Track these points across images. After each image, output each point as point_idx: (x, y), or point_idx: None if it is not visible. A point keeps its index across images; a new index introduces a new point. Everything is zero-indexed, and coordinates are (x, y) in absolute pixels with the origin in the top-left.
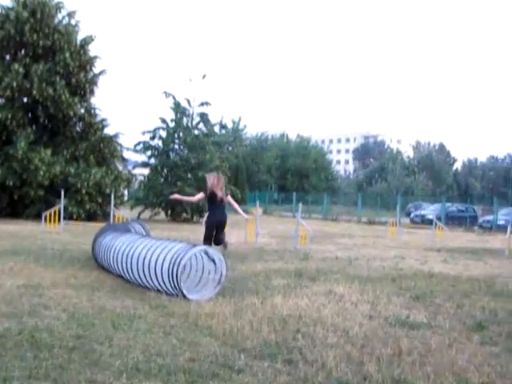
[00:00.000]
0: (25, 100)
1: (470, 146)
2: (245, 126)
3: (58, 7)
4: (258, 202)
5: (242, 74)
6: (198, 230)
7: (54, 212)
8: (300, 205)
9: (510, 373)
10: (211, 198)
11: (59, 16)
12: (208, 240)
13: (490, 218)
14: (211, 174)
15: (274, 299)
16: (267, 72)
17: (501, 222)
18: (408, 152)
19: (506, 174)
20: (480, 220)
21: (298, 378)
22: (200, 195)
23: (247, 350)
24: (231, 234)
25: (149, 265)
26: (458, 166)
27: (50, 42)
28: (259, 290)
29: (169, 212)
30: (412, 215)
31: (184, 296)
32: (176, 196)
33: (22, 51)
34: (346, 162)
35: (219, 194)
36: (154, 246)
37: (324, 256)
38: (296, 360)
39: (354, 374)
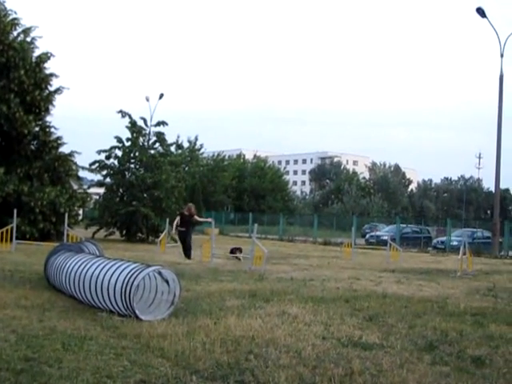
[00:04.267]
0: None
1: (425, 168)
2: (201, 146)
3: (14, 23)
4: (213, 222)
5: (199, 93)
6: (153, 250)
7: (7, 231)
8: (256, 225)
9: None
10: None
11: (14, 33)
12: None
13: (443, 239)
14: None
15: (227, 320)
16: (224, 91)
17: (454, 243)
18: (364, 173)
19: (459, 195)
20: (434, 241)
21: None
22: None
23: (199, 371)
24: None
25: (101, 285)
26: (413, 187)
27: (4, 59)
28: (213, 310)
29: (124, 232)
30: (367, 236)
31: (137, 317)
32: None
33: None
34: (303, 182)
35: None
36: (107, 265)
37: (279, 277)
38: (248, 381)
39: None
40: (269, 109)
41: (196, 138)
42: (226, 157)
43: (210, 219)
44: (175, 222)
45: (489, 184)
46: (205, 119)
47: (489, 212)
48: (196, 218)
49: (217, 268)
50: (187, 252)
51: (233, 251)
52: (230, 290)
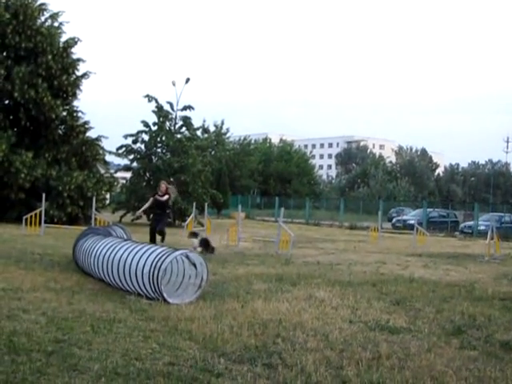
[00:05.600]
0: (6, 102)
1: (452, 152)
2: (227, 130)
3: (41, 9)
4: (240, 207)
5: (225, 77)
6: (180, 234)
7: (35, 215)
8: (282, 209)
9: (488, 377)
10: None
11: (42, 18)
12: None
13: (470, 223)
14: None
15: (254, 303)
16: (250, 75)
17: (481, 228)
18: (390, 157)
19: (487, 179)
20: (461, 225)
21: (277, 382)
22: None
23: (227, 354)
24: (213, 239)
25: (129, 268)
26: (439, 171)
27: (32, 44)
28: (240, 294)
29: (151, 216)
30: (394, 220)
31: (164, 300)
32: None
33: (4, 53)
34: (329, 166)
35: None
36: (135, 249)
37: (305, 261)
38: (275, 364)
39: (333, 378)
40: (295, 92)
41: (222, 122)
42: (252, 141)
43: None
44: (146, 206)
45: None
46: (231, 103)
47: None
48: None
49: (243, 252)
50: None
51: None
52: (256, 274)
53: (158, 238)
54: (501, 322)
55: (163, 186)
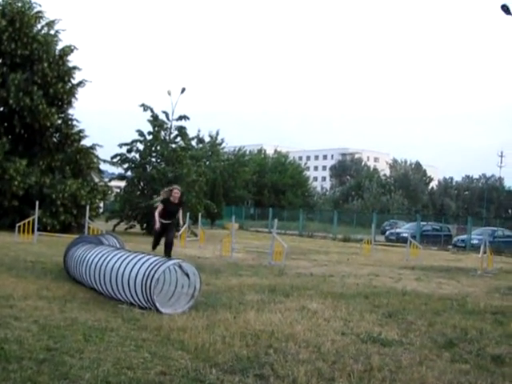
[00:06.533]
0: (1, 109)
1: (446, 165)
2: (222, 141)
3: (38, 16)
4: (233, 217)
5: (221, 88)
6: (174, 244)
7: (28, 223)
8: (276, 220)
9: None
10: None
11: (38, 25)
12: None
13: (464, 237)
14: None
15: (247, 314)
16: (246, 86)
17: (474, 242)
18: (385, 170)
19: (480, 194)
20: (454, 239)
21: None
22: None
23: (219, 364)
24: (206, 249)
25: (122, 277)
26: (433, 184)
27: (28, 52)
28: (233, 304)
29: (144, 225)
30: (387, 233)
31: (157, 309)
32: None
33: (0, 60)
34: (323, 178)
35: None
36: (127, 258)
37: (298, 272)
38: (267, 375)
39: None
40: (290, 104)
41: (217, 133)
42: (247, 152)
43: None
44: (157, 213)
45: (510, 183)
46: (226, 114)
47: (510, 211)
48: (181, 209)
49: (237, 263)
50: (167, 249)
51: None
52: (249, 285)
53: (160, 248)
54: (492, 336)
55: (177, 191)
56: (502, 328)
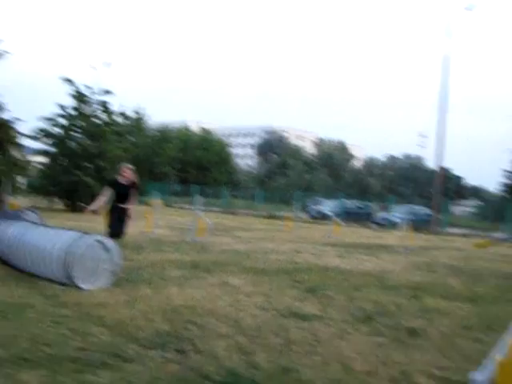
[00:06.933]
0: None
1: (370, 145)
2: (147, 117)
3: None
4: (157, 193)
5: (145, 64)
6: (96, 220)
7: None
8: (199, 197)
9: (393, 361)
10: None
11: None
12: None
13: (385, 215)
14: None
15: (168, 290)
16: (171, 62)
17: (396, 219)
18: (309, 149)
19: (403, 173)
20: (376, 217)
21: (188, 367)
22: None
23: (139, 339)
24: (129, 225)
25: (41, 253)
26: (358, 164)
27: None
28: (154, 280)
29: (67, 201)
30: (311, 210)
31: (77, 285)
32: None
33: None
34: (248, 156)
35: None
36: (47, 234)
37: (221, 248)
38: (187, 350)
39: (244, 363)
40: (216, 82)
41: (142, 109)
42: (172, 128)
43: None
44: (102, 197)
45: (431, 162)
46: (151, 90)
47: (431, 190)
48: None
49: (159, 239)
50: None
51: None
52: (171, 261)
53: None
54: (409, 310)
55: (126, 170)
56: (418, 302)
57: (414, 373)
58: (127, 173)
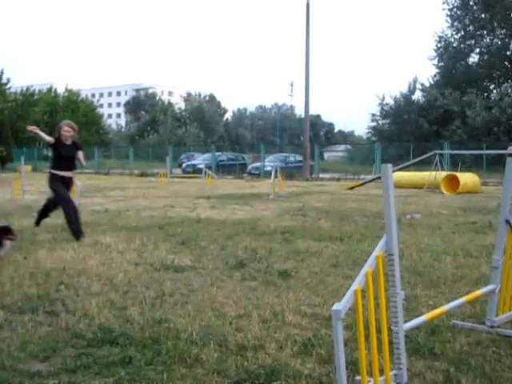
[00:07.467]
0: None
1: (239, 97)
2: (8, 80)
3: None
4: (23, 159)
5: (6, 24)
6: None
7: None
8: None
9: (265, 303)
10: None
11: None
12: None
13: (258, 164)
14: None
15: (37, 254)
16: (30, 25)
17: (268, 168)
18: (179, 104)
19: (273, 122)
20: (249, 167)
21: (60, 328)
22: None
23: (7, 306)
24: None
25: None
26: (228, 116)
27: None
28: (23, 246)
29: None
30: (184, 165)
31: None
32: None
33: None
34: (118, 115)
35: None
36: None
37: (93, 209)
38: (58, 311)
39: (117, 318)
40: (79, 42)
41: (2, 72)
42: (36, 91)
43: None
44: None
45: (301, 111)
46: (12, 52)
47: (301, 137)
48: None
49: (29, 205)
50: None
51: None
52: (41, 225)
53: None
54: (280, 254)
55: (68, 129)
56: (289, 246)
57: (285, 312)
58: (68, 131)
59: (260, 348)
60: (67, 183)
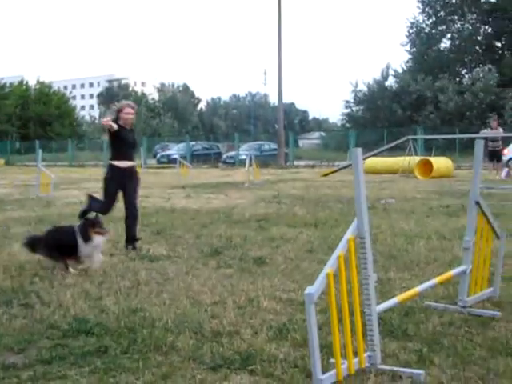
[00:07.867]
0: None
1: (213, 86)
2: None
3: None
4: None
5: None
6: None
7: None
8: (40, 152)
9: (240, 290)
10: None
11: None
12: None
13: (232, 153)
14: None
15: (11, 247)
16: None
17: (243, 157)
18: (153, 94)
19: (248, 111)
20: (224, 156)
21: (35, 320)
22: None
23: None
24: None
25: None
26: (202, 105)
27: None
28: None
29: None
30: (158, 156)
31: None
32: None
33: None
34: (91, 107)
35: None
36: None
37: (68, 201)
38: (33, 303)
39: (92, 308)
40: (51, 33)
41: None
42: (7, 84)
43: None
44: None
45: (275, 99)
46: None
47: (276, 126)
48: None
49: (2, 198)
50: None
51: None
52: (15, 218)
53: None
54: (255, 241)
55: (130, 111)
56: (264, 233)
57: (261, 298)
58: (130, 114)
59: (235, 334)
60: (130, 175)
